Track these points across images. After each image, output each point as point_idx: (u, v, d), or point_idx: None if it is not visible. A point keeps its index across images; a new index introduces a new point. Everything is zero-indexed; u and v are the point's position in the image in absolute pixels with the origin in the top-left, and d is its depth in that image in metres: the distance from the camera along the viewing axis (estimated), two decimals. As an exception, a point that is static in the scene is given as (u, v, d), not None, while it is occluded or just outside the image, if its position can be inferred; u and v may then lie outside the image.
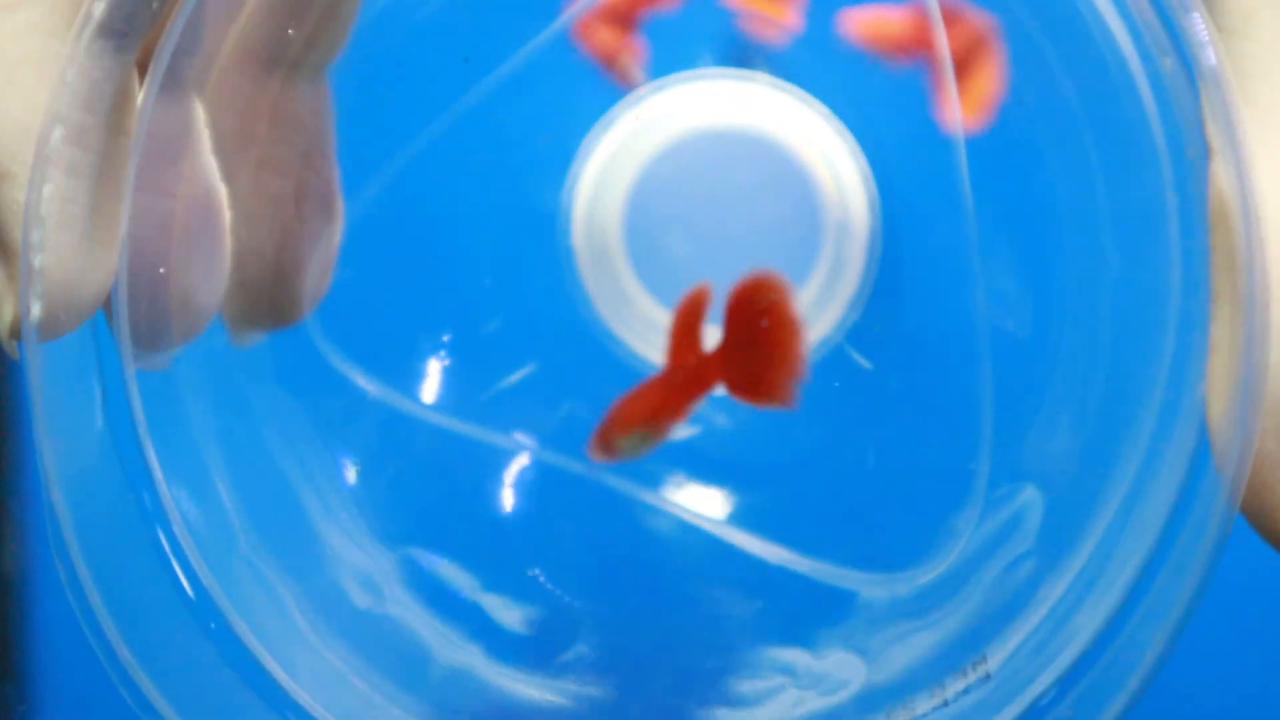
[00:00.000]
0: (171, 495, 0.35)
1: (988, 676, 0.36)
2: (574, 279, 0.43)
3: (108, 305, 0.33)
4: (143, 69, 0.33)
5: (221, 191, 0.35)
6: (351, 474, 0.41)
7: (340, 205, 0.38)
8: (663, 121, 0.43)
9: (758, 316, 0.41)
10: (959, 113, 0.40)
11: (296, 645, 0.37)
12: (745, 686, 0.40)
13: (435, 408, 0.42)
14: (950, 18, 0.40)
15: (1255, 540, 0.31)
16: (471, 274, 0.43)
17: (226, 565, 0.36)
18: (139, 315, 0.34)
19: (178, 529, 0.35)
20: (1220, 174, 0.30)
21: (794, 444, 0.44)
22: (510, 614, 0.41)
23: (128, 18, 0.31)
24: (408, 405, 0.42)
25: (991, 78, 0.40)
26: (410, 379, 0.42)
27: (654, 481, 0.43)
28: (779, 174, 0.43)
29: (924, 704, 0.37)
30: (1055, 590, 0.37)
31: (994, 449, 0.40)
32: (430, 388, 0.43)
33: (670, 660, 0.41)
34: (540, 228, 0.43)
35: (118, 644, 0.33)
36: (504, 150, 0.43)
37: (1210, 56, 0.30)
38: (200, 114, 0.35)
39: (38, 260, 0.31)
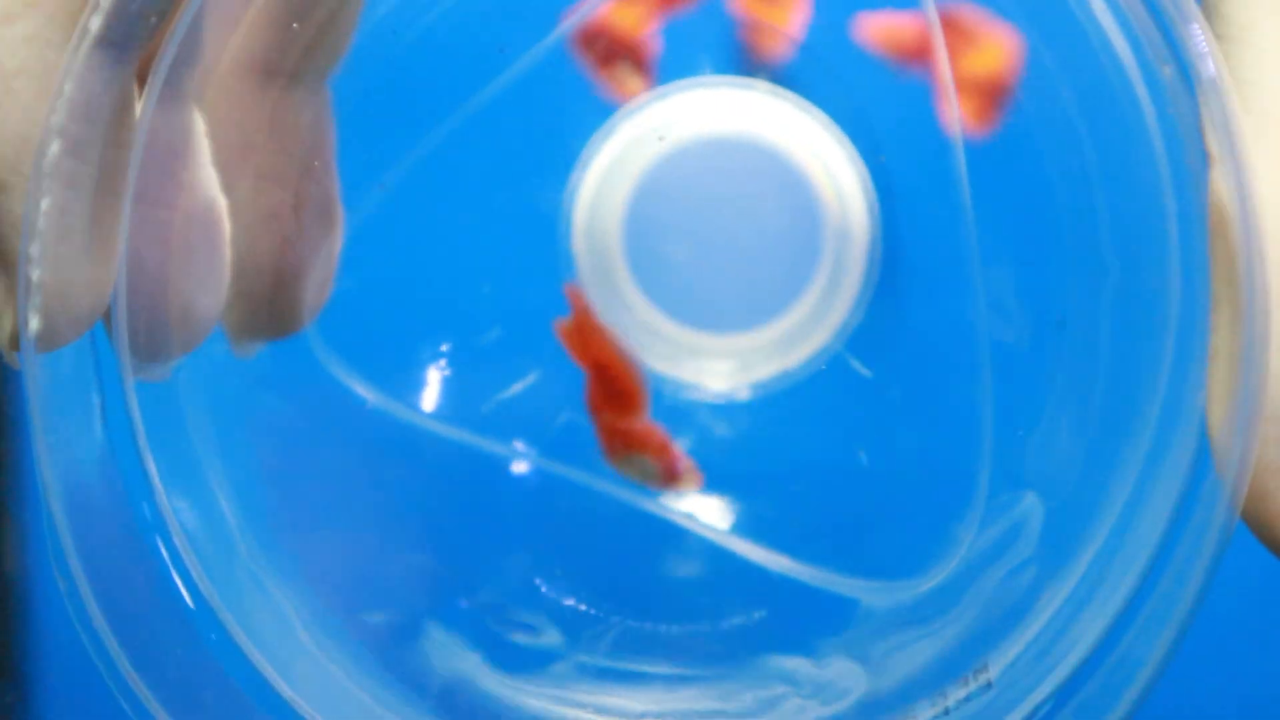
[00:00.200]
0: (171, 505, 0.35)
1: (989, 685, 0.36)
2: (574, 287, 0.43)
3: (107, 317, 0.33)
4: (142, 80, 0.33)
5: (221, 202, 0.35)
6: (350, 483, 0.41)
7: (340, 215, 0.38)
8: (663, 129, 0.43)
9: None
10: (959, 119, 0.40)
11: (296, 653, 0.37)
12: (747, 695, 0.40)
13: (435, 416, 0.42)
14: (956, 22, 0.40)
15: (1256, 547, 0.31)
16: (472, 282, 0.43)
17: (227, 575, 0.36)
18: (138, 327, 0.34)
19: (178, 539, 0.35)
20: (1220, 182, 0.31)
21: (794, 452, 0.44)
22: (512, 623, 0.41)
23: (125, 30, 0.31)
24: (407, 414, 0.42)
25: (998, 72, 0.40)
26: (410, 388, 0.42)
27: (655, 490, 0.43)
28: (779, 182, 0.43)
29: (925, 712, 0.37)
30: (1056, 598, 0.37)
31: (994, 456, 0.40)
32: (430, 396, 0.42)
33: (669, 669, 0.41)
34: (540, 235, 0.43)
35: (118, 656, 0.33)
36: (504, 159, 0.43)
37: (1210, 67, 0.30)
38: (199, 125, 0.35)
39: (35, 274, 0.31)
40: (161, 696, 0.33)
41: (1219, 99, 0.30)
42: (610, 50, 0.42)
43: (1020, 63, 0.39)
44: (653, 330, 0.43)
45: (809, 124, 0.43)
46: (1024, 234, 0.41)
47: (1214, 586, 0.31)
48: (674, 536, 0.42)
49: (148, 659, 0.33)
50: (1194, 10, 0.30)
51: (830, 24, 0.43)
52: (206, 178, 0.35)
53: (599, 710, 0.40)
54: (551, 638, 0.41)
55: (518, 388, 0.43)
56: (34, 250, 0.31)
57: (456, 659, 0.40)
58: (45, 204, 0.31)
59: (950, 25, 0.40)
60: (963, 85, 0.40)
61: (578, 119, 0.43)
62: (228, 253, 0.36)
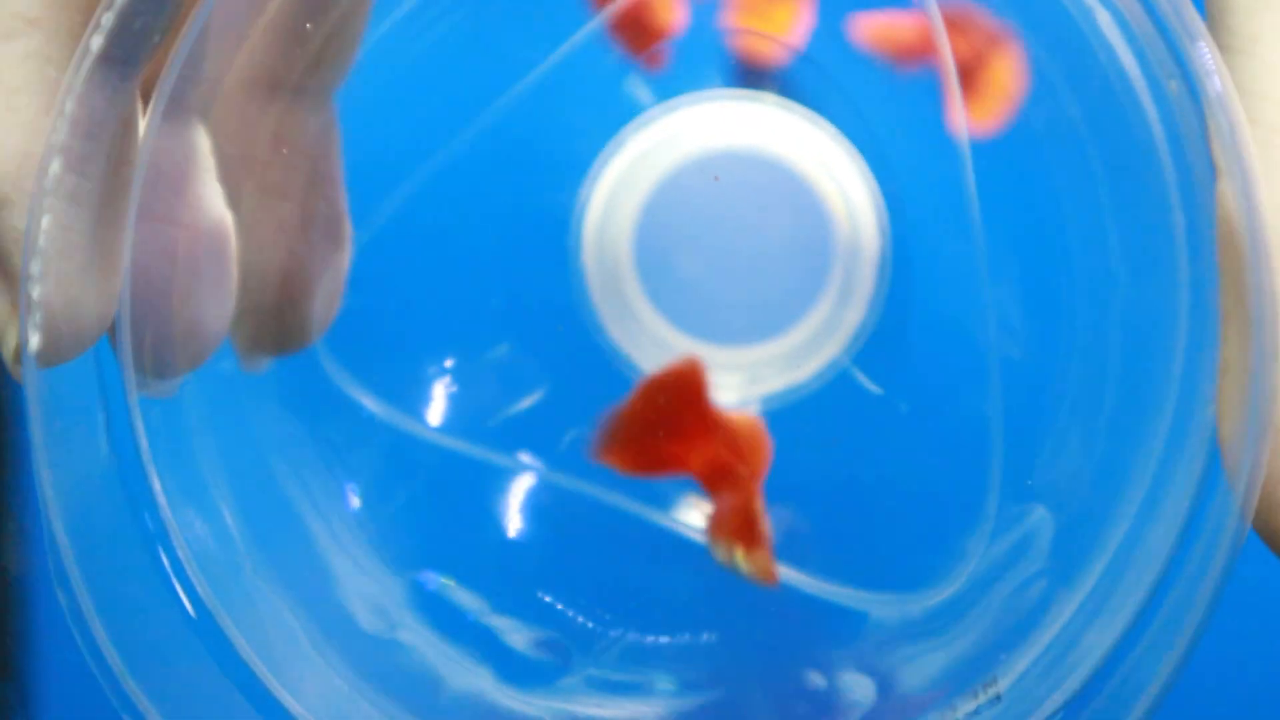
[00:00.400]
0: (176, 520, 0.35)
1: (998, 698, 0.36)
2: (584, 300, 0.43)
3: (112, 332, 0.33)
4: (146, 96, 0.33)
5: (228, 219, 0.35)
6: (358, 498, 0.41)
7: (348, 230, 0.38)
8: (672, 142, 0.43)
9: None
10: (966, 123, 0.40)
11: (305, 670, 0.37)
12: (757, 708, 0.40)
13: (443, 430, 0.42)
14: (963, 24, 0.40)
15: (1268, 558, 0.31)
16: (481, 297, 0.43)
17: (232, 591, 0.36)
18: (144, 343, 0.34)
19: (182, 554, 0.35)
20: (1228, 195, 0.30)
21: (804, 466, 0.44)
22: (520, 637, 0.41)
23: (128, 47, 0.31)
24: (415, 428, 0.42)
25: (1005, 85, 0.40)
26: (418, 402, 0.42)
27: (665, 503, 0.43)
28: (789, 195, 0.42)
29: (934, 726, 0.37)
30: (1066, 611, 0.37)
31: (1004, 470, 0.40)
32: (438, 410, 0.42)
33: (680, 682, 0.41)
34: (550, 250, 0.43)
35: (122, 673, 0.33)
36: (513, 173, 0.43)
37: (1216, 84, 0.30)
38: (205, 140, 0.35)
39: (36, 291, 0.31)
40: (166, 712, 0.33)
41: (1226, 115, 0.30)
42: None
43: (1023, 65, 0.39)
44: (662, 343, 0.43)
45: (818, 137, 0.43)
46: (1033, 248, 0.41)
47: (1225, 598, 0.31)
48: (683, 549, 0.42)
49: (152, 674, 0.33)
50: (1200, 27, 0.30)
51: (834, 34, 0.43)
52: (213, 193, 0.35)
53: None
54: (560, 651, 0.41)
55: (527, 402, 0.43)
56: (34, 268, 0.31)
57: (465, 673, 0.40)
58: (46, 222, 0.31)
59: (958, 25, 0.40)
60: (966, 86, 0.40)
61: (587, 133, 0.43)
62: (235, 268, 0.36)
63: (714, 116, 0.43)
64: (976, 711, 0.36)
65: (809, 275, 0.43)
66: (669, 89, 0.43)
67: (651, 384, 0.40)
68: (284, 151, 0.37)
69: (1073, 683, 0.35)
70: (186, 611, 0.35)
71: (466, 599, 0.41)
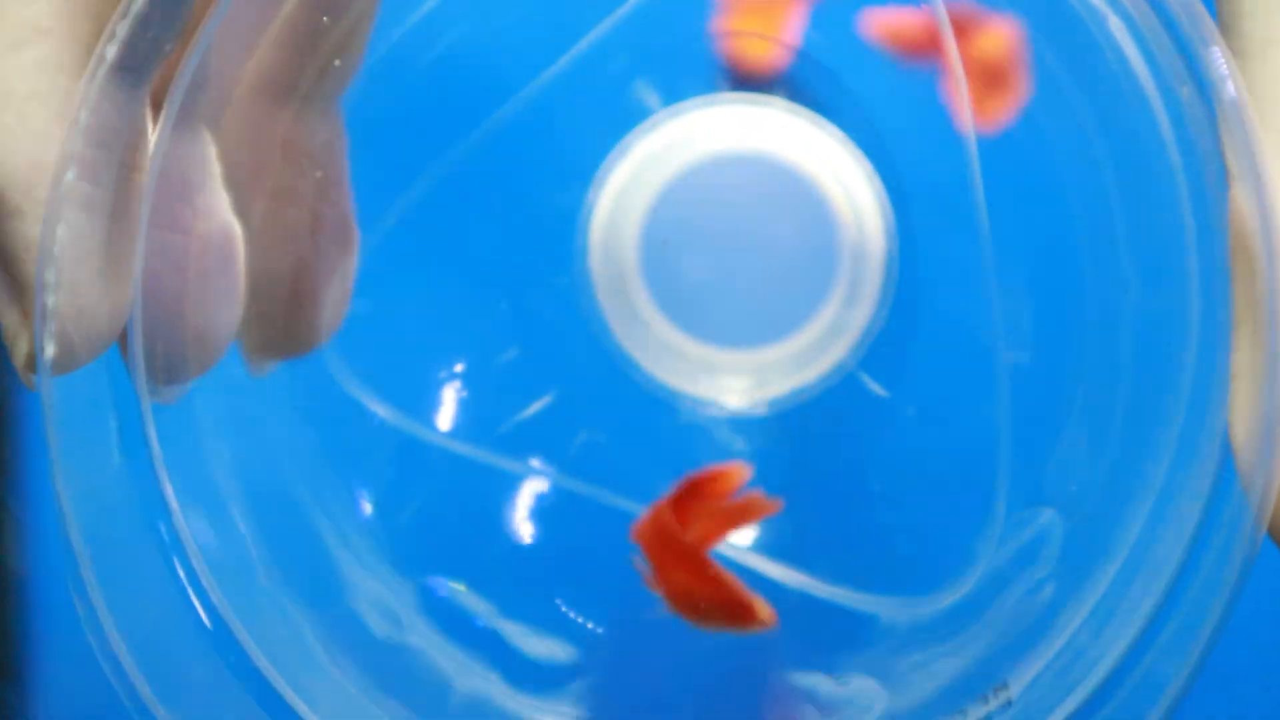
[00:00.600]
0: (189, 527, 0.35)
1: (1009, 703, 0.36)
2: (591, 305, 0.43)
3: (122, 340, 0.33)
4: (155, 104, 0.33)
5: (235, 226, 0.35)
6: (369, 503, 0.41)
7: (356, 235, 0.38)
8: (678, 147, 0.43)
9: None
10: (973, 125, 0.40)
11: (315, 675, 0.37)
12: (768, 714, 0.40)
13: (452, 435, 0.42)
14: (971, 23, 0.40)
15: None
16: (488, 302, 0.43)
17: (244, 596, 0.36)
18: (154, 349, 0.34)
19: (195, 561, 0.35)
20: (1240, 200, 0.30)
21: (813, 467, 0.44)
22: (530, 641, 0.41)
23: (141, 57, 0.31)
24: (425, 433, 0.42)
25: (1013, 86, 0.40)
26: (427, 407, 0.42)
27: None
28: (795, 199, 0.43)
29: (946, 731, 0.37)
30: (1077, 616, 0.37)
31: (1013, 473, 0.40)
32: (447, 415, 0.42)
33: (691, 687, 0.41)
34: (556, 254, 0.43)
35: (136, 678, 0.33)
36: (519, 178, 0.43)
37: (1230, 89, 0.30)
38: (212, 149, 0.35)
39: (51, 300, 0.31)
40: (179, 718, 0.33)
41: (1240, 120, 0.30)
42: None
43: (1030, 65, 0.39)
44: (669, 347, 0.43)
45: (824, 140, 0.43)
46: (1043, 252, 0.41)
47: (1240, 604, 0.31)
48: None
49: (165, 679, 0.33)
50: (1214, 32, 0.30)
51: (839, 35, 0.43)
52: (220, 201, 0.35)
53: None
54: (569, 656, 0.41)
55: (536, 407, 0.43)
56: (49, 277, 0.31)
57: (475, 678, 0.40)
58: (60, 231, 0.31)
59: (966, 25, 0.40)
60: (972, 77, 0.40)
61: (593, 138, 0.43)
62: (242, 275, 0.36)
63: (719, 120, 0.43)
64: (988, 717, 0.36)
65: (815, 278, 0.43)
66: (675, 93, 0.43)
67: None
68: (293, 157, 0.37)
69: (1086, 689, 0.35)
70: (201, 619, 0.35)
71: (476, 604, 0.41)
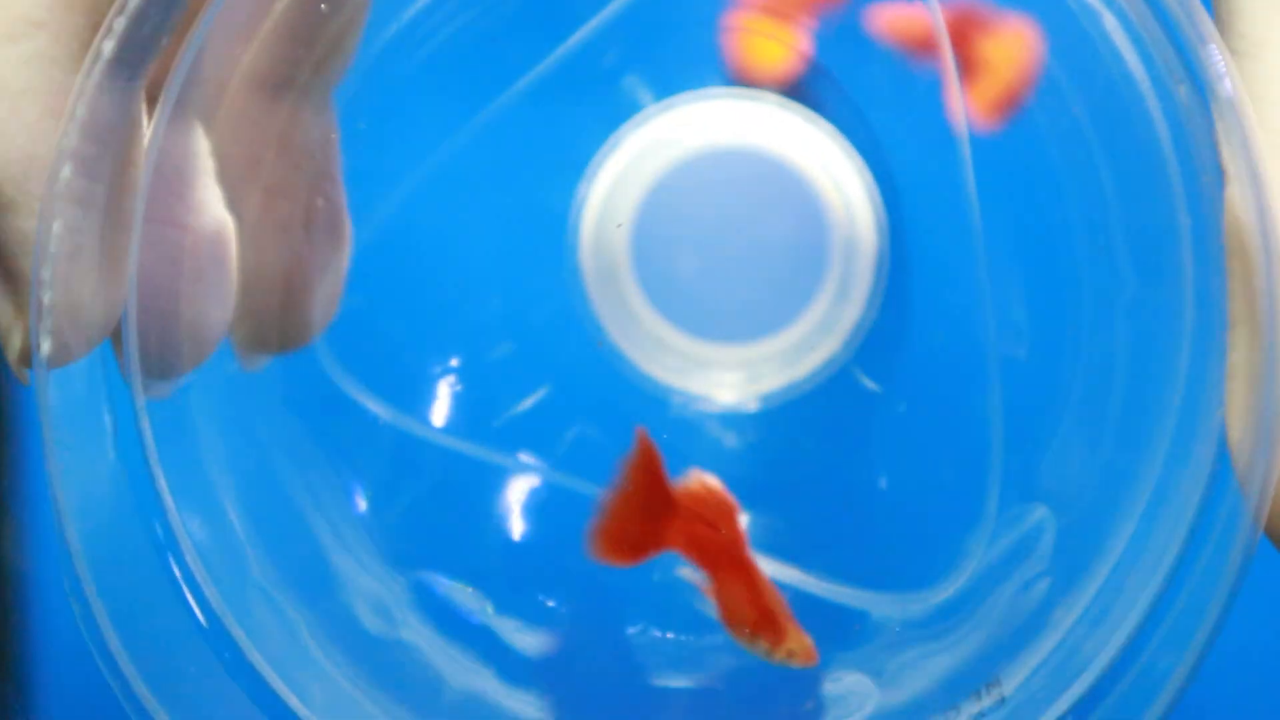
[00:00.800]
0: (183, 523, 0.35)
1: (1002, 700, 0.36)
2: (582, 300, 0.43)
3: (116, 335, 0.33)
4: (150, 98, 0.33)
5: (228, 221, 0.35)
6: (362, 499, 0.41)
7: (348, 230, 0.38)
8: (669, 141, 0.43)
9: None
10: (968, 120, 0.40)
11: (309, 671, 0.37)
12: (760, 708, 0.40)
13: (445, 431, 0.42)
14: (968, 22, 0.41)
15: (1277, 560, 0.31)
16: (480, 297, 0.43)
17: (239, 593, 0.36)
18: (148, 344, 0.34)
19: (190, 558, 0.35)
20: (1236, 199, 0.30)
21: (804, 464, 0.44)
22: (523, 637, 0.41)
23: (137, 52, 0.31)
24: (418, 429, 0.42)
25: (1010, 83, 0.40)
26: (420, 403, 0.42)
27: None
28: (786, 193, 0.43)
29: (939, 728, 0.37)
30: (1071, 613, 0.37)
31: (1006, 469, 0.40)
32: (440, 411, 0.42)
33: (684, 682, 0.41)
34: (548, 249, 0.43)
35: (131, 675, 0.32)
36: (511, 173, 0.43)
37: (1227, 87, 0.30)
38: (205, 144, 0.35)
39: (48, 297, 0.31)
40: (175, 714, 0.33)
41: (1236, 118, 0.30)
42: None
43: (1028, 62, 0.39)
44: (661, 342, 0.43)
45: (817, 135, 0.43)
46: (1037, 248, 0.41)
47: (1236, 602, 0.31)
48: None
49: (160, 676, 0.33)
50: (1211, 30, 0.30)
51: (834, 33, 0.43)
52: (213, 196, 0.35)
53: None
54: (563, 651, 0.41)
55: (529, 402, 0.43)
56: (45, 273, 0.31)
57: (468, 673, 0.40)
58: (57, 227, 0.31)
59: (965, 19, 0.40)
60: (975, 82, 0.40)
61: (584, 132, 0.43)
62: (235, 269, 0.36)
63: (711, 115, 0.43)
64: (981, 714, 0.36)
65: (807, 273, 0.43)
66: (666, 87, 0.43)
67: (620, 472, 0.40)
68: (287, 151, 0.37)
69: (1080, 686, 0.35)
70: (195, 614, 0.35)
71: (470, 599, 0.41)
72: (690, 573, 0.40)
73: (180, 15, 0.32)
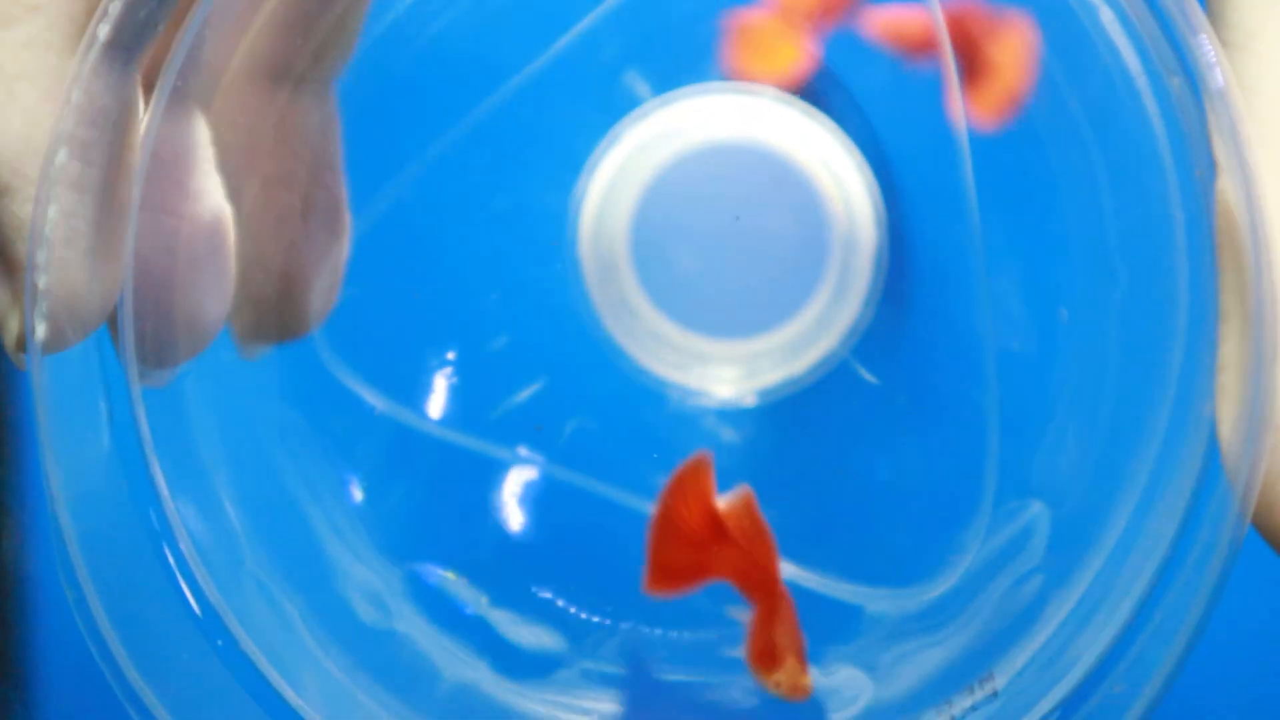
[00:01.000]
0: (178, 512, 0.35)
1: (995, 695, 0.36)
2: (580, 293, 0.43)
3: (112, 321, 0.33)
4: (146, 84, 0.33)
5: (227, 209, 0.35)
6: (358, 490, 0.41)
7: (347, 220, 0.38)
8: (669, 136, 0.43)
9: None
10: (968, 117, 0.40)
11: (303, 662, 0.37)
12: (753, 702, 0.40)
13: (442, 423, 0.42)
14: (972, 19, 0.40)
15: (1268, 555, 0.31)
16: (478, 289, 0.43)
17: (233, 582, 0.36)
18: (144, 333, 0.34)
19: (184, 546, 0.35)
20: (1227, 191, 0.30)
21: (801, 458, 0.44)
22: (517, 629, 0.41)
23: (133, 36, 0.31)
24: (414, 421, 0.42)
25: (1011, 81, 0.40)
26: (417, 395, 0.42)
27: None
28: (786, 188, 0.43)
29: (932, 722, 0.37)
30: (1063, 607, 0.37)
31: (1001, 464, 0.40)
32: (437, 403, 0.42)
33: (678, 676, 0.41)
34: (546, 242, 0.43)
35: (124, 662, 0.33)
36: (510, 165, 0.43)
37: (1218, 77, 0.30)
38: (204, 131, 0.35)
39: (43, 281, 0.31)
40: (167, 701, 0.33)
41: (1227, 109, 0.30)
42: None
43: (1029, 62, 0.39)
44: (659, 337, 0.43)
45: (816, 130, 0.43)
46: (1032, 242, 0.41)
47: (1225, 595, 0.31)
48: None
49: (153, 664, 0.33)
50: (1202, 20, 0.30)
51: (835, 29, 0.43)
52: (212, 184, 0.35)
53: (605, 717, 0.40)
54: (557, 644, 0.41)
55: (524, 394, 0.43)
56: (41, 257, 0.31)
57: (461, 665, 0.40)
58: (52, 211, 0.31)
59: (965, 15, 0.40)
60: (974, 78, 0.40)
61: (583, 126, 0.43)
62: (233, 259, 0.36)
63: (710, 109, 0.43)
64: (974, 708, 0.36)
65: (806, 268, 0.43)
66: (666, 82, 0.43)
67: (665, 493, 0.40)
68: (287, 140, 0.37)
69: (1071, 680, 0.35)
70: (189, 603, 0.35)
71: (464, 591, 0.41)
72: (738, 611, 0.39)
73: (175, 0, 0.32)
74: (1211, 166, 0.31)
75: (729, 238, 0.43)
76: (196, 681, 0.35)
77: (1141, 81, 0.35)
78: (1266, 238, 0.30)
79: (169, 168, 0.34)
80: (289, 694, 0.36)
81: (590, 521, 0.43)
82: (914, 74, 0.42)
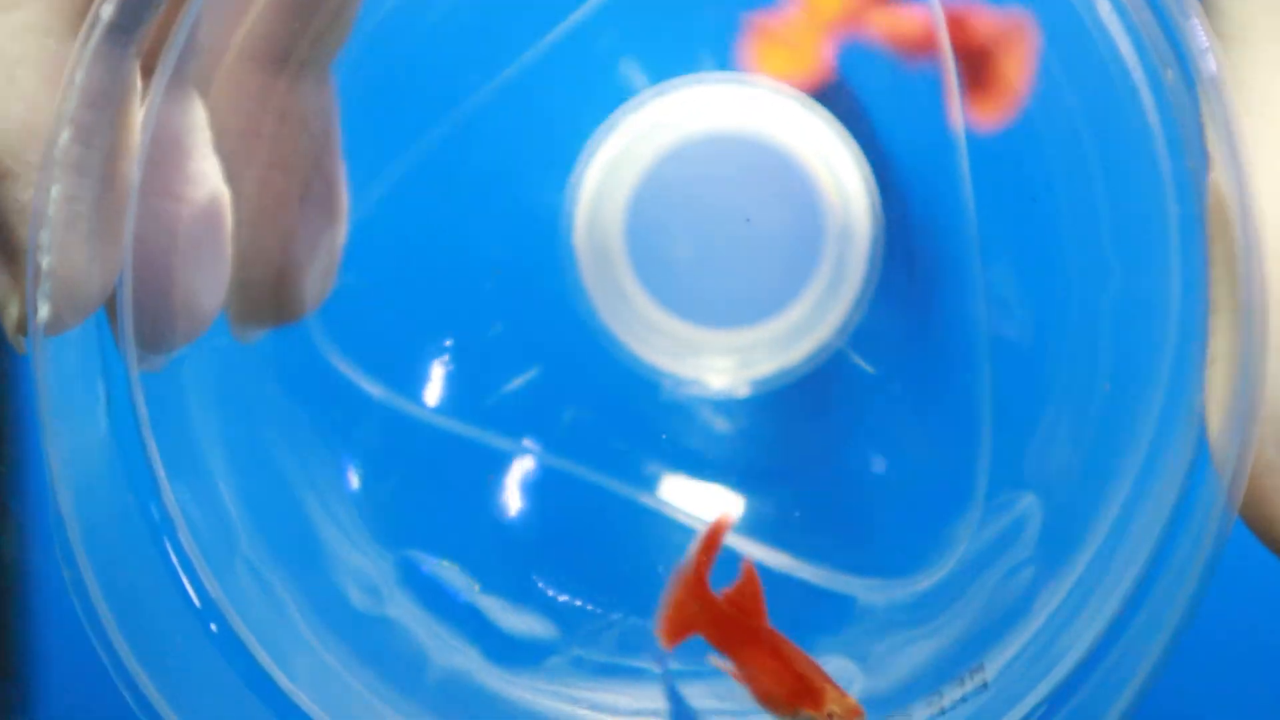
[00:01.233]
0: (175, 498, 0.35)
1: (985, 685, 0.36)
2: (576, 282, 0.43)
3: (111, 306, 0.33)
4: (146, 68, 0.33)
5: (225, 193, 0.35)
6: (353, 476, 0.41)
7: (345, 205, 0.38)
8: (665, 126, 0.43)
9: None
10: (964, 111, 0.40)
11: (296, 647, 0.37)
12: (744, 692, 0.40)
13: (438, 411, 0.42)
14: (972, 17, 0.41)
15: (1255, 547, 0.31)
16: (474, 277, 0.43)
17: (228, 568, 0.36)
18: (142, 317, 0.34)
19: (181, 532, 0.35)
20: (1219, 183, 0.31)
21: (794, 449, 0.44)
22: (509, 617, 0.41)
23: (134, 17, 0.31)
24: (411, 408, 0.42)
25: (1011, 79, 0.40)
26: (413, 382, 0.42)
27: (655, 486, 0.43)
28: (781, 178, 0.43)
29: (921, 712, 0.37)
30: (1053, 599, 0.37)
31: (994, 456, 0.40)
32: (433, 391, 0.43)
33: (670, 665, 0.41)
34: (543, 231, 0.43)
35: (121, 647, 0.33)
36: (507, 154, 0.43)
37: (1210, 64, 0.30)
38: (203, 115, 0.35)
39: (45, 261, 0.31)
40: (162, 686, 0.33)
41: (1219, 98, 0.30)
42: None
43: (1030, 59, 0.39)
44: (654, 326, 0.43)
45: (812, 121, 0.43)
46: (1027, 235, 0.41)
47: (1212, 586, 0.31)
48: (673, 532, 0.42)
49: (149, 649, 0.33)
50: (1195, 5, 0.30)
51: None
52: (210, 168, 0.35)
53: (595, 707, 0.40)
54: (548, 633, 0.41)
55: (519, 382, 0.43)
56: (44, 238, 0.31)
57: (452, 652, 0.40)
58: (55, 191, 0.31)
59: (964, 12, 0.41)
60: (972, 73, 0.40)
61: (580, 115, 0.43)
62: (230, 242, 0.36)
63: (706, 99, 0.43)
64: (964, 699, 0.36)
65: (801, 258, 0.43)
66: (662, 71, 0.43)
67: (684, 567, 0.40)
68: (286, 125, 0.37)
69: (1060, 671, 0.35)
70: (184, 587, 0.35)
71: (457, 578, 0.41)
72: (719, 660, 0.40)
73: None
74: (1204, 159, 0.31)
75: (724, 227, 0.43)
76: (190, 665, 0.35)
77: (1137, 74, 0.36)
78: (1257, 231, 0.30)
79: (168, 151, 0.34)
80: (281, 679, 0.36)
81: (583, 510, 0.43)
82: (913, 69, 0.42)
